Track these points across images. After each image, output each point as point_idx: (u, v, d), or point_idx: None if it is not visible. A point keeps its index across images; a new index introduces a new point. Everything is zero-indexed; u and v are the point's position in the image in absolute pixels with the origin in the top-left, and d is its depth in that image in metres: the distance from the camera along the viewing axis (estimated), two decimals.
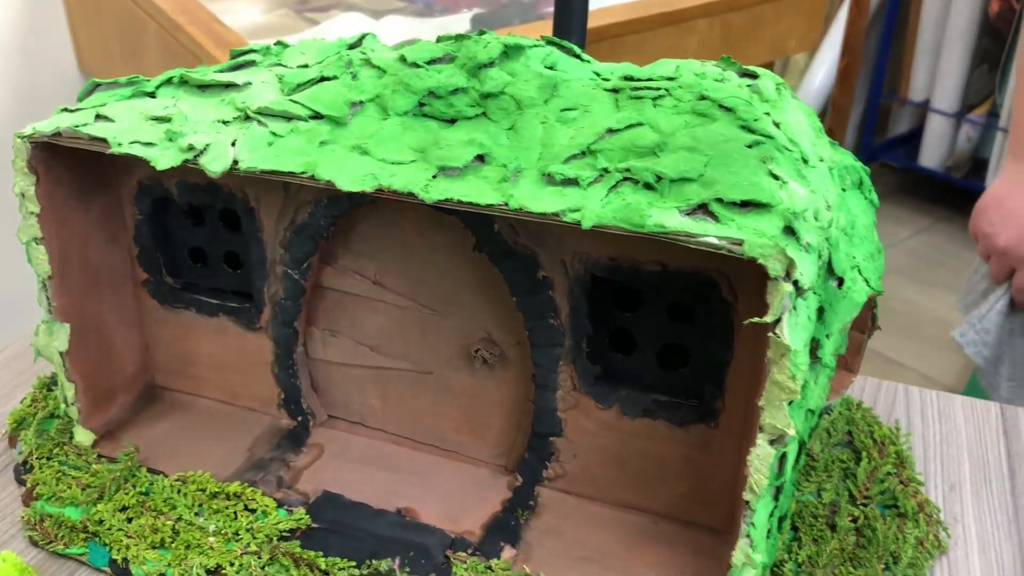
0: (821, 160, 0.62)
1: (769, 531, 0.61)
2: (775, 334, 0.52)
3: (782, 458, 0.57)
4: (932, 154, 2.98)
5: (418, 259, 0.71)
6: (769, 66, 2.05)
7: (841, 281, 0.62)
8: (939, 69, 2.86)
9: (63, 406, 0.77)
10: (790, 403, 0.54)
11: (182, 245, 0.79)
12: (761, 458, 0.55)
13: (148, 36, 1.50)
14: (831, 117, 3.06)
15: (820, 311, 0.61)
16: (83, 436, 0.77)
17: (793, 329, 0.52)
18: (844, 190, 0.67)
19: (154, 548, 0.68)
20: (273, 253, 0.73)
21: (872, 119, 3.25)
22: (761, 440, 0.55)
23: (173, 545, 0.68)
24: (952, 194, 2.97)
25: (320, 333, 0.77)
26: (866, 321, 0.69)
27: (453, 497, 0.73)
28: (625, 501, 0.71)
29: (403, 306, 0.73)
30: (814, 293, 0.55)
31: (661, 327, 0.66)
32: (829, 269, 0.61)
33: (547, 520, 0.71)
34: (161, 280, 0.79)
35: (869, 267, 0.65)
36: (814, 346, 0.60)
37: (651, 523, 0.70)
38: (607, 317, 0.67)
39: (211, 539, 0.68)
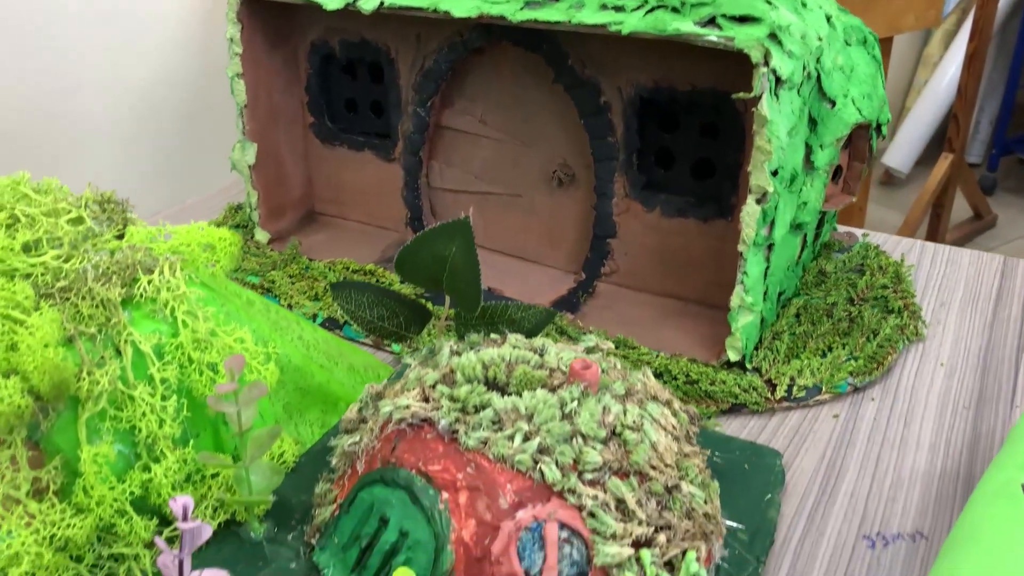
0: (821, 8, 0.81)
1: (766, 292, 0.79)
2: (755, 108, 0.71)
3: (771, 223, 0.75)
4: None
5: (513, 99, 0.92)
6: (887, 43, 2.15)
7: (833, 103, 0.80)
8: None
9: (247, 211, 1.03)
10: (773, 172, 0.73)
11: (340, 96, 1.04)
12: (750, 214, 0.74)
13: None
14: (955, 102, 3.10)
15: (813, 123, 0.79)
16: (261, 235, 1.03)
17: (772, 108, 0.71)
18: (848, 44, 0.85)
19: (309, 300, 0.92)
20: (406, 95, 0.97)
21: (1007, 112, 3.26)
22: (749, 199, 0.74)
23: (324, 297, 0.92)
24: None
25: (438, 165, 1.00)
26: (864, 152, 0.87)
27: (531, 285, 0.95)
28: (663, 290, 0.91)
29: (501, 140, 0.95)
30: (798, 94, 0.74)
31: (693, 144, 0.85)
32: (821, 91, 0.79)
33: (600, 301, 0.91)
34: (323, 123, 1.05)
35: (864, 102, 0.83)
36: (808, 152, 0.79)
37: (682, 305, 0.89)
38: (652, 136, 0.87)
39: None
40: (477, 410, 0.57)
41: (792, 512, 0.66)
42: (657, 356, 0.81)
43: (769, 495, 0.66)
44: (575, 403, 0.57)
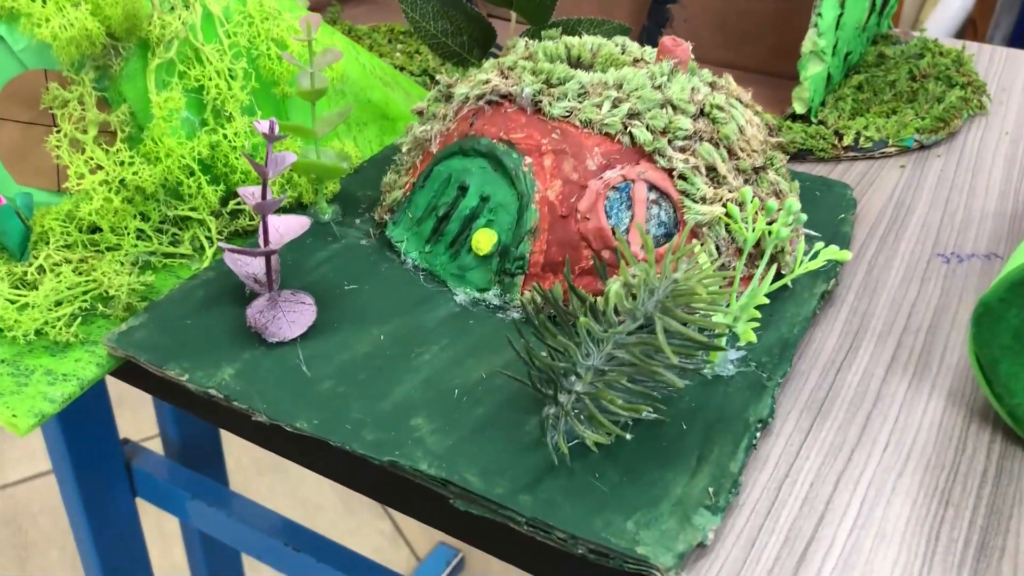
0: None
1: (835, 47, 0.77)
2: None
3: None
4: None
5: None
6: None
7: None
8: None
9: None
10: None
11: None
12: None
13: None
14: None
15: None
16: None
17: None
18: None
19: None
20: None
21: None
22: None
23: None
24: None
25: None
26: None
27: None
28: (724, 60, 0.88)
29: None
30: None
31: None
32: None
33: None
34: None
35: None
36: None
37: (743, 75, 0.87)
38: None
39: None
40: (562, 82, 0.55)
41: (864, 235, 0.65)
42: None
43: (842, 215, 0.64)
44: (665, 77, 0.55)
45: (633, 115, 0.53)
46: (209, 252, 0.57)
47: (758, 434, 0.46)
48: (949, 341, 0.54)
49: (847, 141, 0.75)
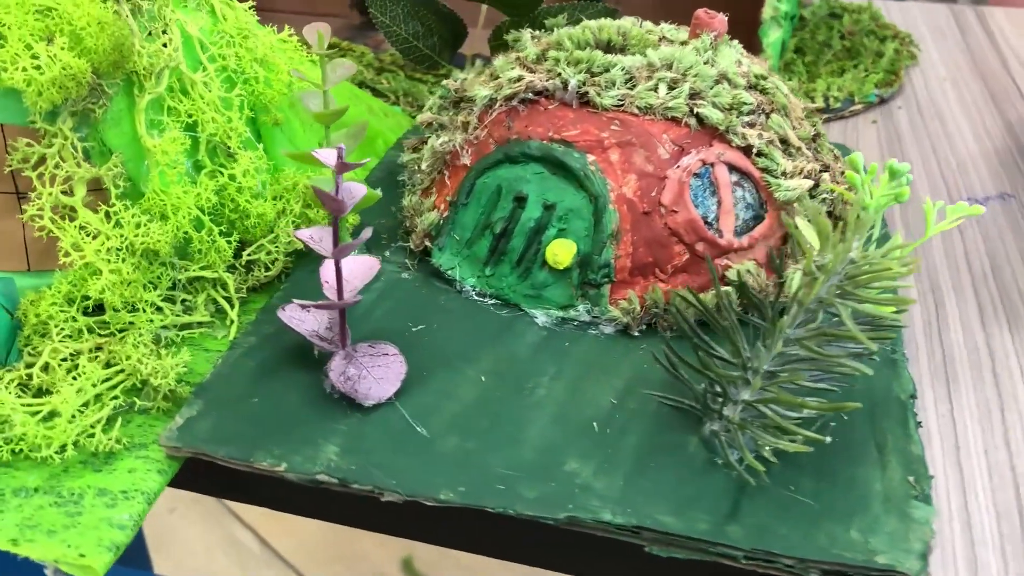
0: None
1: (787, 12, 0.76)
2: None
3: None
4: None
5: None
6: None
7: None
8: None
9: None
10: None
11: None
12: None
13: None
14: None
15: None
16: None
17: None
18: None
19: None
20: None
21: None
22: None
23: None
24: None
25: None
26: None
27: None
28: None
29: None
30: None
31: None
32: None
33: None
34: None
35: None
36: None
37: None
38: None
39: None
40: (605, 69, 0.51)
41: None
42: None
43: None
44: (710, 52, 0.52)
45: (694, 95, 0.50)
46: (232, 315, 0.48)
47: (916, 411, 0.43)
48: (1018, 282, 0.54)
49: (818, 103, 0.75)
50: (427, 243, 0.52)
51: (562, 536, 0.38)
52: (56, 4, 0.42)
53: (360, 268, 0.43)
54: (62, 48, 0.41)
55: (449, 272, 0.51)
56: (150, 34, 0.46)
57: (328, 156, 0.40)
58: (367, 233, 0.42)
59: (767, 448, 0.39)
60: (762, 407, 0.39)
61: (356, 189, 0.41)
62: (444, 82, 0.56)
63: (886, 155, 0.69)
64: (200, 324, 0.48)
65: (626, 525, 0.37)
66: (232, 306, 0.48)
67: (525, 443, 0.41)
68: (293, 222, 0.51)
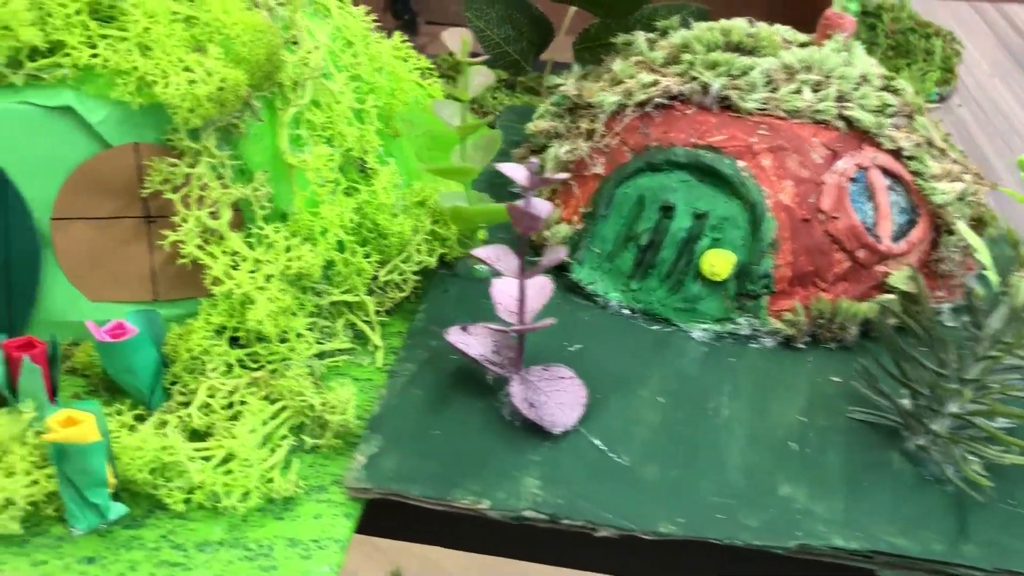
0: None
1: None
2: None
3: None
4: None
5: None
6: None
7: None
8: None
9: None
10: None
11: None
12: None
13: None
14: None
15: None
16: None
17: None
18: None
19: None
20: None
21: None
22: None
23: None
24: None
25: None
26: None
27: None
28: None
29: None
30: None
31: None
32: None
33: None
34: None
35: None
36: None
37: None
38: None
39: None
40: (744, 72, 0.49)
41: None
42: None
43: None
44: (846, 54, 0.50)
45: (840, 97, 0.48)
46: (376, 339, 0.45)
47: None
48: None
49: None
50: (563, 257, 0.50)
51: (789, 565, 0.36)
52: (205, 10, 0.39)
53: (536, 290, 0.41)
54: (216, 59, 0.38)
55: (589, 287, 0.48)
56: (286, 42, 0.43)
57: (516, 172, 0.37)
58: (561, 252, 0.39)
59: (977, 461, 0.38)
60: (974, 419, 0.38)
61: (541, 206, 0.38)
62: (561, 88, 0.53)
63: (967, 153, 0.69)
64: (340, 351, 0.45)
65: (860, 551, 0.35)
66: (373, 330, 0.45)
67: (729, 468, 0.39)
68: (425, 239, 0.48)
